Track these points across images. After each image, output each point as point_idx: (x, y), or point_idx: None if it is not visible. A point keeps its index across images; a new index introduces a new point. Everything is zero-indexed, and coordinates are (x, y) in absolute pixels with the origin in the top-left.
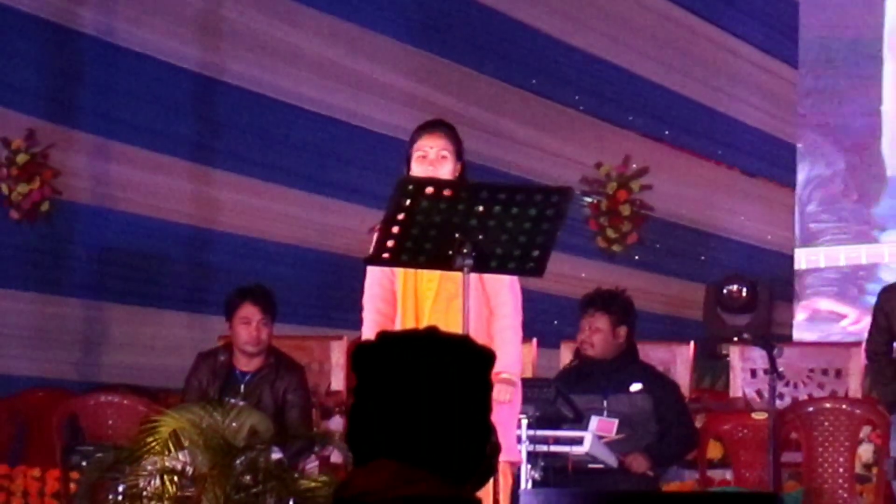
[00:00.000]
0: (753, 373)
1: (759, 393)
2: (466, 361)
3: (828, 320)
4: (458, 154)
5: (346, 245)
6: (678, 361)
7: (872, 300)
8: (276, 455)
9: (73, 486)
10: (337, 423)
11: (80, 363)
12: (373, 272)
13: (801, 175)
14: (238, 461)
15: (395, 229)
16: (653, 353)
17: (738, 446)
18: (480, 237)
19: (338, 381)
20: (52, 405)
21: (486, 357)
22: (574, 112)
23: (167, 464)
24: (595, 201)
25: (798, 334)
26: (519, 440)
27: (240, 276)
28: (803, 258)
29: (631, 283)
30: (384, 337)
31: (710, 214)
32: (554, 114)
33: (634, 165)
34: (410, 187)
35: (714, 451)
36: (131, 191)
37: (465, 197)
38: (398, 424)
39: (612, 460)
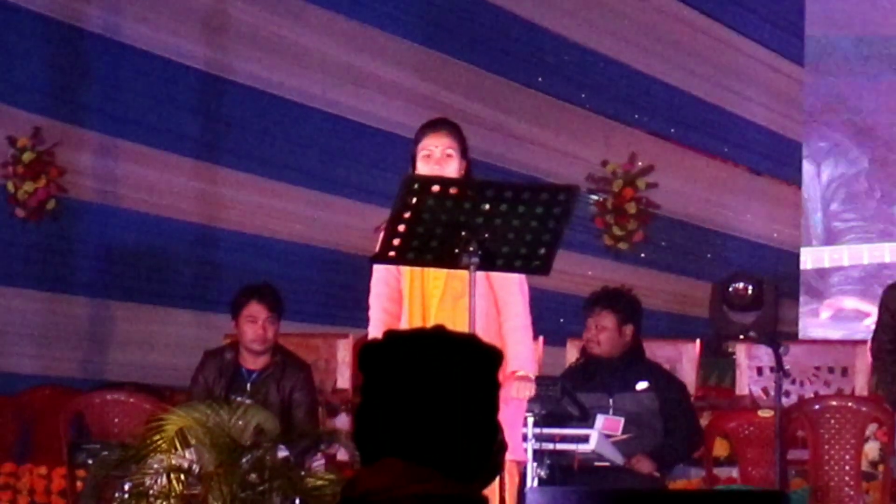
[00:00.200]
0: (759, 370)
1: (765, 391)
2: (474, 360)
3: (852, 319)
4: (464, 152)
5: (353, 243)
6: (684, 359)
7: None
8: (283, 453)
9: (79, 484)
10: (343, 421)
11: (86, 361)
12: (379, 271)
13: (825, 174)
14: (244, 459)
15: (402, 228)
16: (659, 351)
17: (744, 444)
18: (486, 235)
19: (344, 379)
20: (58, 403)
21: (493, 356)
22: (580, 110)
23: (173, 462)
24: (601, 199)
25: (822, 333)
26: (525, 438)
27: (246, 275)
28: (826, 257)
29: (637, 280)
30: (391, 336)
31: (716, 212)
32: (560, 112)
33: (640, 163)
34: (416, 186)
35: (720, 448)
36: (137, 189)
37: (471, 195)
38: (405, 423)
39: (618, 458)
